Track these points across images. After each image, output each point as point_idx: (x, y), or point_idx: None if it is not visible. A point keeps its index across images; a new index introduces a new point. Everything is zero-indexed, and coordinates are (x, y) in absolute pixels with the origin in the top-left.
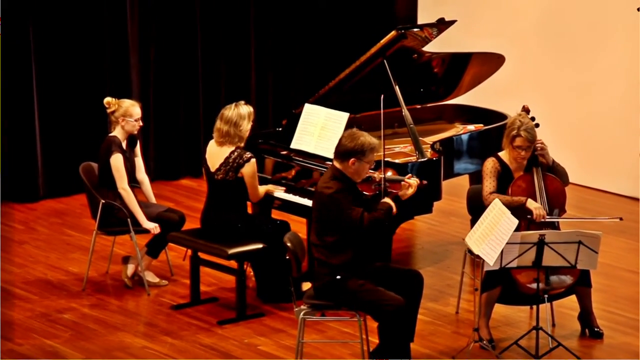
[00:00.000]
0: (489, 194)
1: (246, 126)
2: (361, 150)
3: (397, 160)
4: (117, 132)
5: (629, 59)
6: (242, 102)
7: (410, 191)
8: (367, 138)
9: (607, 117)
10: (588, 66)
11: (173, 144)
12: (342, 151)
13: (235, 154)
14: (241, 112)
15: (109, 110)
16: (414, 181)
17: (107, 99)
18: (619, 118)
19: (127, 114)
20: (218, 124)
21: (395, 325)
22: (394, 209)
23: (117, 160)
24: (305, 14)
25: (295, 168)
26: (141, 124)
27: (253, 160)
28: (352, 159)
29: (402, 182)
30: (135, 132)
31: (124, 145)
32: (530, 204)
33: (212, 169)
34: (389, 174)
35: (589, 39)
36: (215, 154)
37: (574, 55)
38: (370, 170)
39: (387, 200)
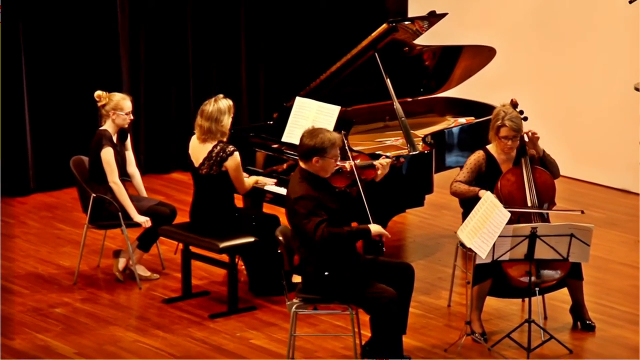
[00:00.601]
0: (456, 181)
1: (227, 121)
2: (322, 147)
3: (388, 154)
4: (108, 126)
5: (626, 51)
6: (221, 95)
7: (381, 172)
8: (326, 134)
9: (601, 111)
10: (581, 58)
11: (164, 138)
12: (304, 151)
13: (218, 147)
14: (221, 107)
15: (99, 104)
16: (384, 161)
17: (98, 93)
18: (613, 111)
19: (118, 107)
20: (199, 120)
21: (387, 317)
22: (373, 233)
23: (107, 154)
24: (296, 7)
25: (286, 161)
26: (132, 117)
27: (236, 153)
28: (315, 158)
29: (376, 166)
30: (126, 126)
31: (114, 138)
32: (483, 194)
33: (196, 164)
34: (358, 161)
35: (581, 30)
36: (198, 149)
37: (566, 47)
38: (340, 162)
39: (375, 226)
